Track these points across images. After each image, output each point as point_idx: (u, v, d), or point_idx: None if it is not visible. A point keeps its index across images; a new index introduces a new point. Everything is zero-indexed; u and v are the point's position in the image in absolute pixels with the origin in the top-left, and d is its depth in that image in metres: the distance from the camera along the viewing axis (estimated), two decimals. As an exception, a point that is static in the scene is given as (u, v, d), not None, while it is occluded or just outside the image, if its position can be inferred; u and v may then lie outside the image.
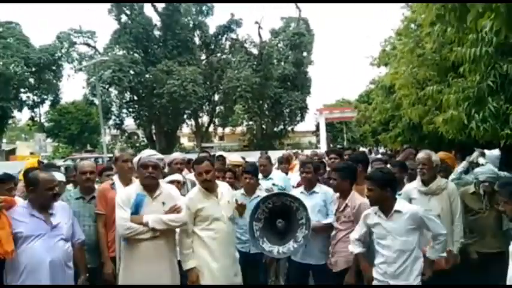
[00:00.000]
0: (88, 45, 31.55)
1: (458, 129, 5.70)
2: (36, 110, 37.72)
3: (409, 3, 17.13)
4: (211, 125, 37.52)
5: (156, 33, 31.25)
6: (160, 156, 3.47)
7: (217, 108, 34.74)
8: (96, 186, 3.85)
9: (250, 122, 36.30)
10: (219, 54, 33.73)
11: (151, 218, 3.16)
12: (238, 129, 41.97)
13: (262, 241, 3.60)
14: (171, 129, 31.66)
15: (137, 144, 34.84)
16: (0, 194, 3.19)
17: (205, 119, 37.05)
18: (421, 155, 3.89)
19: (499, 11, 3.14)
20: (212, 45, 33.65)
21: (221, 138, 48.15)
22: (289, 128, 34.88)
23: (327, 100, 73.69)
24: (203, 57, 33.77)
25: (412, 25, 15.18)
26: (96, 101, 25.21)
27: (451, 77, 7.67)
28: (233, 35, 33.35)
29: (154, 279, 3.14)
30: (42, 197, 3.03)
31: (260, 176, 4.84)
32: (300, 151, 18.27)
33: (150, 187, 3.29)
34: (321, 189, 4.02)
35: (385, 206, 3.03)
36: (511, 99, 5.18)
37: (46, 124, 39.96)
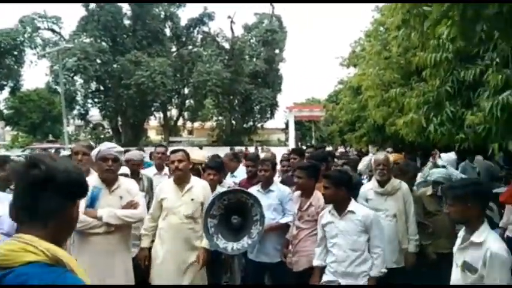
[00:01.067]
0: (53, 31, 30.33)
1: (418, 132, 5.85)
2: (-5, 96, 36.10)
3: (380, 6, 17.50)
4: (180, 119, 37.02)
5: (126, 22, 30.45)
6: (120, 149, 3.39)
7: (187, 102, 34.30)
8: None
9: (220, 117, 36.08)
10: (190, 47, 33.26)
11: (106, 212, 3.09)
12: (208, 124, 41.65)
13: (216, 237, 3.55)
14: (138, 121, 30.99)
15: (102, 136, 33.87)
16: None
17: (174, 112, 36.53)
18: (381, 156, 3.95)
19: (454, 19, 3.21)
20: (183, 37, 33.15)
21: (190, 132, 47.62)
22: (259, 125, 34.93)
23: (297, 98, 74.36)
24: (174, 49, 33.22)
25: (381, 28, 15.53)
26: (60, 90, 24.27)
27: (414, 80, 7.88)
28: (205, 28, 33.03)
29: (107, 273, 3.07)
30: None
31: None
32: (261, 149, 18.31)
33: (108, 180, 3.24)
34: (277, 187, 4.01)
35: (340, 205, 3.05)
36: (467, 105, 5.35)
37: (5, 111, 38.20)
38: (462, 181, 2.64)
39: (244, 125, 34.23)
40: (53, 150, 20.41)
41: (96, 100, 30.13)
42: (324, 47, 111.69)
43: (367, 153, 12.87)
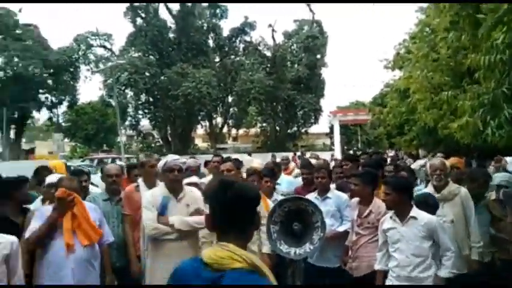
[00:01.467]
0: (104, 47, 32.11)
1: (474, 135, 5.75)
2: (54, 110, 38.62)
3: (424, 7, 17.11)
4: (225, 126, 37.72)
5: (171, 35, 31.63)
6: (183, 160, 3.65)
7: (231, 109, 34.92)
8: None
9: (264, 124, 36.37)
10: (232, 57, 33.93)
11: (177, 219, 3.30)
12: (252, 130, 42.13)
13: (279, 243, 3.74)
14: (186, 130, 31.97)
15: (152, 145, 35.24)
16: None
17: (219, 120, 37.28)
18: (436, 161, 3.95)
19: (510, 25, 3.24)
20: (226, 47, 33.86)
21: (235, 139, 48.31)
22: (303, 130, 34.86)
23: (341, 102, 73.39)
24: (217, 59, 34.01)
25: (427, 29, 15.19)
26: (113, 102, 25.67)
27: (466, 82, 7.72)
28: (247, 38, 33.54)
29: None
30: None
31: None
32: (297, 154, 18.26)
33: (175, 190, 3.44)
34: (334, 194, 4.14)
35: (401, 211, 3.13)
36: (526, 106, 5.23)
37: (63, 124, 40.75)
38: None
39: (288, 131, 34.30)
40: (109, 160, 21.58)
41: (146, 111, 31.46)
42: (366, 49, 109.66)
43: (417, 157, 12.61)
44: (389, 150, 24.30)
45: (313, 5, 33.83)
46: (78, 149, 34.88)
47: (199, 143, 47.05)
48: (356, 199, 3.82)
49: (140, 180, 3.94)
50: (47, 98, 36.39)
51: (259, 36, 32.92)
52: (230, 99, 33.73)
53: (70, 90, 35.82)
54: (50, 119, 39.60)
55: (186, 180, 4.26)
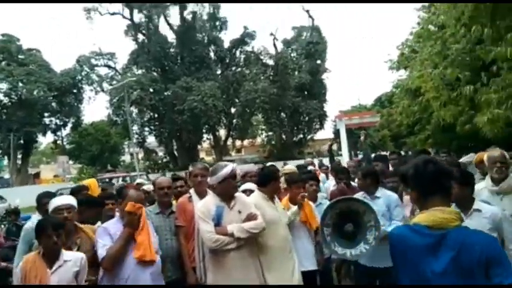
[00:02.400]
0: (109, 66, 32.36)
1: (503, 127, 5.75)
2: (58, 133, 38.80)
3: (426, 5, 17.20)
4: (229, 138, 37.80)
5: (173, 50, 31.92)
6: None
7: (234, 121, 35.05)
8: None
9: (270, 133, 36.46)
10: (233, 68, 34.16)
11: (236, 227, 3.22)
12: (257, 140, 42.20)
13: (333, 245, 3.71)
14: (192, 144, 32.05)
15: (159, 161, 35.26)
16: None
17: (222, 132, 37.37)
18: (496, 153, 3.82)
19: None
20: (227, 59, 34.13)
21: (238, 150, 48.37)
22: (309, 137, 34.92)
23: (342, 106, 73.43)
24: (218, 71, 34.25)
25: (432, 27, 15.24)
26: (119, 121, 25.79)
27: (486, 76, 7.73)
28: (247, 48, 33.82)
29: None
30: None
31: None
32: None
33: (228, 197, 3.36)
34: (383, 193, 4.10)
35: (464, 204, 3.10)
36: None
37: (67, 146, 40.88)
38: None
39: (294, 138, 34.37)
40: (119, 180, 21.60)
41: (152, 127, 31.58)
42: (364, 53, 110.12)
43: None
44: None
45: (312, 11, 34.14)
46: (85, 171, 34.88)
47: (204, 156, 47.12)
48: (408, 196, 3.80)
49: (192, 190, 3.92)
50: (51, 121, 36.67)
51: (261, 46, 33.21)
52: (233, 110, 33.89)
53: (74, 112, 36.04)
54: (54, 142, 39.76)
55: (242, 187, 4.23)
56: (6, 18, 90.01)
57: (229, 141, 39.17)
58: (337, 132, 37.39)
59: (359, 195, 4.16)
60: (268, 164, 6.20)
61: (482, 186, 3.76)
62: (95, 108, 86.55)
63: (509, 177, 3.69)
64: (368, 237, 3.70)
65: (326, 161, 14.10)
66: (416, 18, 18.86)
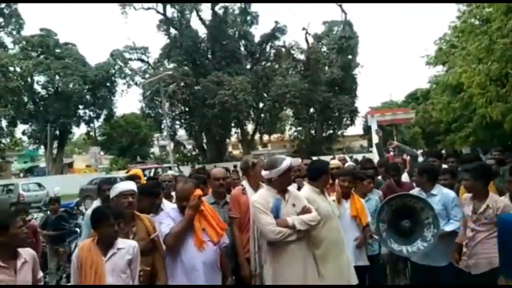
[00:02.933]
0: (142, 60, 32.96)
1: None
2: (91, 124, 39.91)
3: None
4: (257, 133, 37.86)
5: (204, 45, 32.15)
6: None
7: (262, 115, 35.03)
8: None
9: (299, 128, 36.26)
10: (263, 63, 34.11)
11: (296, 220, 3.21)
12: (285, 135, 42.05)
13: (389, 241, 3.65)
14: (221, 138, 32.31)
15: (189, 155, 35.72)
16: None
17: (249, 127, 37.47)
18: None
19: None
20: (257, 53, 34.10)
21: (264, 145, 48.39)
22: (339, 133, 34.54)
23: (372, 103, 72.31)
24: (248, 66, 34.29)
25: (473, 20, 14.65)
26: (152, 114, 26.18)
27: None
28: (278, 43, 33.70)
29: (303, 279, 3.22)
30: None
31: None
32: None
33: (284, 190, 3.37)
34: (440, 191, 3.99)
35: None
36: None
37: (99, 138, 41.99)
38: None
39: (323, 134, 34.07)
40: (152, 171, 22.00)
41: (182, 121, 32.00)
42: (395, 49, 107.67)
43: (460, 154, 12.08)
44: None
45: (344, 5, 33.61)
46: (117, 162, 35.69)
47: (231, 150, 47.42)
48: (469, 194, 3.67)
49: (245, 182, 3.94)
50: (85, 112, 37.76)
51: (292, 40, 32.99)
52: (261, 104, 33.88)
53: (107, 104, 36.95)
54: (87, 133, 40.92)
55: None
56: (45, 13, 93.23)
57: (257, 136, 39.24)
58: (367, 129, 36.91)
59: (415, 191, 4.07)
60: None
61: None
62: (127, 101, 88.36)
63: None
64: (426, 235, 3.63)
65: (357, 157, 13.89)
66: (456, 12, 18.18)
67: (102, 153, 42.84)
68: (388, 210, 3.72)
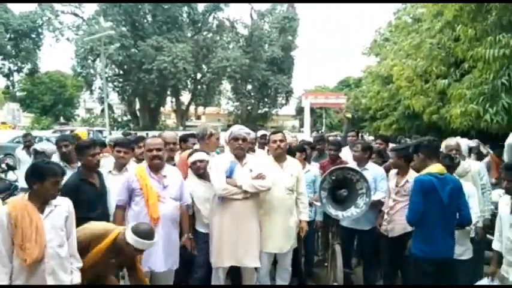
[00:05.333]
0: (75, 15, 30.59)
1: (474, 121, 6.46)
2: (11, 78, 36.57)
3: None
4: (193, 104, 37.51)
5: (144, 6, 30.62)
6: (248, 130, 3.98)
7: (199, 87, 34.73)
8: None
9: (236, 103, 36.54)
10: (205, 33, 33.52)
11: (245, 181, 3.69)
12: (219, 109, 42.12)
13: (328, 206, 4.21)
14: (156, 106, 31.52)
15: (119, 120, 34.41)
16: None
17: (185, 97, 36.99)
18: (452, 142, 4.48)
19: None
20: (199, 23, 33.36)
21: (198, 117, 48.17)
22: (274, 111, 35.43)
23: (306, 85, 74.32)
24: (189, 34, 33.47)
25: (408, 19, 15.89)
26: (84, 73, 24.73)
27: (459, 72, 8.43)
28: (222, 14, 33.24)
29: (244, 235, 3.72)
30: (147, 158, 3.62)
31: None
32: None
33: (240, 156, 3.84)
34: (372, 166, 4.65)
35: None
36: (521, 97, 5.94)
37: (18, 93, 38.70)
38: None
39: (259, 111, 34.74)
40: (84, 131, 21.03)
41: (115, 84, 30.59)
42: (332, 35, 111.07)
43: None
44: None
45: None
46: (41, 121, 33.28)
47: (164, 119, 46.45)
48: (394, 170, 4.33)
49: (197, 148, 4.28)
50: (4, 64, 34.49)
51: (237, 14, 32.71)
52: (199, 76, 33.50)
53: (31, 58, 34.00)
54: (7, 87, 37.47)
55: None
56: None
57: (192, 107, 38.89)
58: (300, 110, 38.30)
59: (353, 165, 4.66)
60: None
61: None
62: (55, 57, 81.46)
63: (462, 163, 4.31)
64: (359, 202, 4.22)
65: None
66: (393, 8, 19.48)
67: (20, 110, 39.67)
68: (329, 180, 4.25)
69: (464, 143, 5.00)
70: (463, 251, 3.64)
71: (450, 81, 8.37)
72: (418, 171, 3.61)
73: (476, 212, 3.82)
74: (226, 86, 35.37)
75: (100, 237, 2.89)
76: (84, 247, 2.84)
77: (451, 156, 3.96)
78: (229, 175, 3.75)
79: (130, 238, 2.82)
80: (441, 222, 3.24)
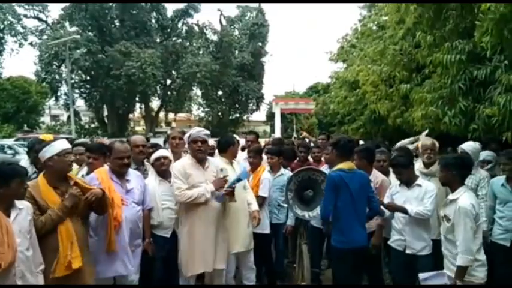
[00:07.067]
0: (39, 19, 29.64)
1: (434, 123, 6.70)
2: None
3: (369, 4, 18.34)
4: (163, 110, 37.06)
5: (112, 12, 30.08)
6: (207, 132, 3.99)
7: (169, 93, 34.37)
8: None
9: (207, 109, 36.37)
10: (174, 39, 33.28)
11: (207, 187, 3.78)
12: (189, 115, 41.74)
13: (295, 207, 4.26)
14: (124, 112, 30.91)
15: (86, 126, 33.49)
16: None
17: (155, 103, 36.53)
18: (428, 141, 4.64)
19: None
20: (168, 29, 33.10)
21: (168, 123, 47.61)
22: (245, 117, 35.50)
23: (276, 91, 75.07)
24: (158, 40, 33.13)
25: (373, 26, 16.37)
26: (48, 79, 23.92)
27: (421, 77, 8.75)
28: (191, 20, 33.13)
29: (213, 239, 3.78)
30: (115, 164, 3.51)
31: None
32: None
33: (200, 159, 3.83)
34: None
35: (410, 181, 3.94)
36: (477, 100, 6.23)
37: (-23, 101, 37.02)
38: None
39: (230, 117, 34.72)
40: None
41: (82, 90, 29.80)
42: (300, 42, 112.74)
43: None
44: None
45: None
46: (3, 128, 31.92)
47: (133, 126, 45.59)
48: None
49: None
50: (-37, 70, 32.94)
51: (207, 20, 32.69)
52: (169, 82, 33.16)
53: (-9, 63, 32.67)
54: (-34, 93, 35.77)
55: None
56: None
57: (162, 113, 38.43)
58: (271, 115, 38.61)
59: (323, 167, 4.76)
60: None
61: (416, 168, 4.49)
62: (17, 63, 78.75)
63: (436, 163, 4.47)
64: (324, 203, 4.31)
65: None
66: (358, 15, 20.00)
67: (-20, 117, 37.92)
68: (295, 181, 4.32)
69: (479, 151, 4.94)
70: (422, 247, 3.76)
71: (412, 86, 8.65)
72: (330, 165, 4.36)
73: (427, 207, 3.90)
74: (196, 92, 35.19)
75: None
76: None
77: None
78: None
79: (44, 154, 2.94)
80: (353, 214, 3.56)
